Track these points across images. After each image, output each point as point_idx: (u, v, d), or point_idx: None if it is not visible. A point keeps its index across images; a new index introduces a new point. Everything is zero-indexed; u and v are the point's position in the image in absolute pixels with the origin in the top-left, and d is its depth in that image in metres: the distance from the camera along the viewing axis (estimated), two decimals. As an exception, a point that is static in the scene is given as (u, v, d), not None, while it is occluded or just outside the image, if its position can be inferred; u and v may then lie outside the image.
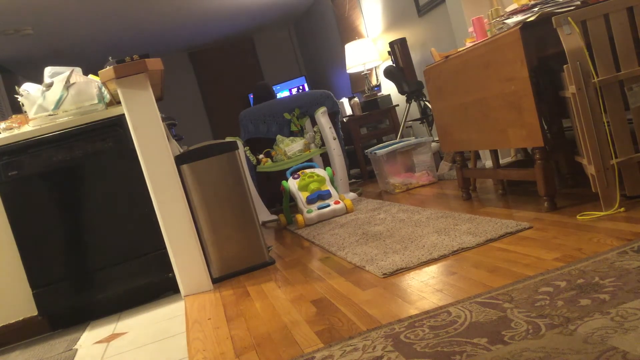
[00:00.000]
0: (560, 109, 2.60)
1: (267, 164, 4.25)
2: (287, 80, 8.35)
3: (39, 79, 2.92)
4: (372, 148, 4.33)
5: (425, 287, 1.81)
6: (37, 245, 2.63)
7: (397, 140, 4.59)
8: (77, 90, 2.75)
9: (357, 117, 5.61)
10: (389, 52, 4.96)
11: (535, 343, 1.21)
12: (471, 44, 2.80)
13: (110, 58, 2.64)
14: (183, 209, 2.57)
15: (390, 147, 4.10)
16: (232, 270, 2.76)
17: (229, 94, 8.56)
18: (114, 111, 2.71)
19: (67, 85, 2.73)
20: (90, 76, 2.91)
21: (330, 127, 4.27)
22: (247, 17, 7.55)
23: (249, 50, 8.76)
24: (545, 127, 2.66)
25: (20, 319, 2.64)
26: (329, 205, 3.63)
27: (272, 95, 5.18)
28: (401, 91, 4.84)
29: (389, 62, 5.06)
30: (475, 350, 1.25)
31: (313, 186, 3.75)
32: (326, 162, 4.49)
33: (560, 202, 2.46)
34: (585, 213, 2.15)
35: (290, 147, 4.22)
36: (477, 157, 3.78)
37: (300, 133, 4.46)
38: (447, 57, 3.00)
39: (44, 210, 2.63)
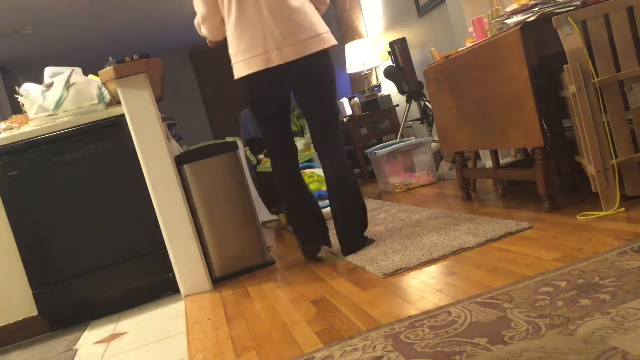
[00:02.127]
0: (560, 109, 2.60)
1: (267, 164, 4.25)
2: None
3: (39, 79, 2.92)
4: (372, 148, 4.33)
5: (425, 287, 1.81)
6: (37, 245, 2.63)
7: (397, 140, 4.59)
8: (77, 90, 2.75)
9: (357, 117, 5.60)
10: (389, 52, 4.96)
11: (535, 343, 1.21)
12: (471, 44, 2.80)
13: (110, 58, 2.64)
14: (183, 208, 2.57)
15: (390, 147, 4.10)
16: (232, 270, 2.76)
17: (229, 94, 8.56)
18: (114, 111, 2.71)
19: (67, 85, 2.73)
20: (90, 76, 2.91)
21: (330, 127, 4.26)
22: (247, 17, 7.53)
23: (249, 50, 8.75)
24: (545, 127, 2.66)
25: (20, 319, 2.64)
26: (329, 205, 3.62)
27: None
28: (401, 91, 4.84)
29: (389, 62, 5.06)
30: (475, 350, 1.25)
31: (313, 186, 3.75)
32: (326, 162, 4.48)
33: (560, 202, 2.46)
34: (585, 213, 2.15)
35: (290, 147, 4.22)
36: (477, 157, 3.78)
37: (300, 133, 4.46)
38: (447, 57, 3.00)
39: (44, 210, 2.63)
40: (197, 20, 2.55)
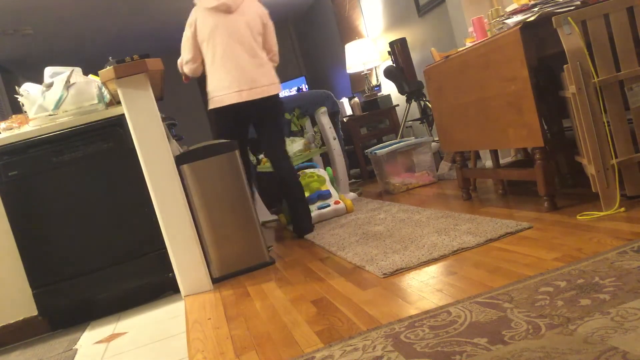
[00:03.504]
0: (560, 109, 2.60)
1: (267, 164, 4.25)
2: (287, 80, 8.35)
3: (39, 79, 2.92)
4: (372, 148, 4.33)
5: (425, 287, 1.81)
6: (37, 245, 2.62)
7: (397, 140, 4.59)
8: (77, 90, 2.75)
9: (357, 117, 5.60)
10: (389, 52, 4.96)
11: (535, 343, 1.21)
12: (471, 44, 2.80)
13: (110, 58, 2.64)
14: (183, 209, 2.57)
15: (390, 147, 4.10)
16: (232, 270, 2.76)
17: (229, 94, 8.55)
18: (114, 111, 2.71)
19: (67, 85, 2.73)
20: (90, 76, 2.91)
21: (330, 127, 4.26)
22: (247, 17, 7.53)
23: (249, 50, 8.74)
24: (545, 127, 2.66)
25: (20, 319, 2.64)
26: (329, 205, 3.63)
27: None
28: (401, 91, 4.84)
29: (389, 62, 5.06)
30: (475, 350, 1.25)
31: (313, 186, 3.75)
32: (326, 162, 4.49)
33: (560, 202, 2.46)
34: (585, 213, 2.15)
35: (290, 147, 4.22)
36: (477, 157, 3.78)
37: (300, 133, 4.46)
38: (447, 57, 3.00)
39: (44, 210, 2.63)
40: (181, 61, 3.35)
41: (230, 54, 3.16)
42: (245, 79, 3.15)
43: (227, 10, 3.21)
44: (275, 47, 3.41)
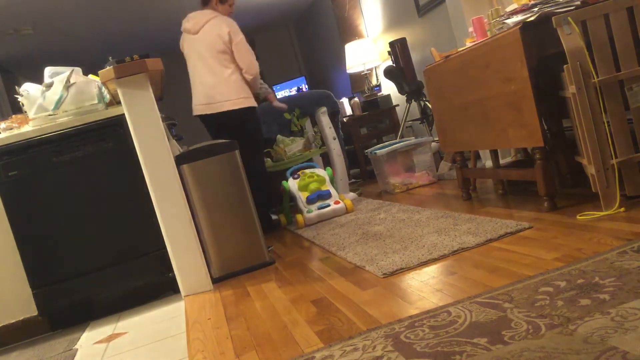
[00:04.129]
0: (560, 109, 2.60)
1: (267, 164, 4.25)
2: (287, 80, 8.35)
3: (39, 79, 2.92)
4: (372, 148, 4.33)
5: (425, 287, 1.81)
6: (37, 245, 2.62)
7: (397, 140, 4.59)
8: (77, 90, 2.75)
9: (357, 117, 5.60)
10: (389, 52, 4.96)
11: (535, 343, 1.21)
12: (471, 44, 2.80)
13: (110, 58, 2.64)
14: (183, 209, 2.57)
15: (390, 147, 4.10)
16: (232, 270, 2.76)
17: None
18: (114, 111, 2.71)
19: (67, 85, 2.73)
20: (90, 76, 2.91)
21: (330, 127, 4.26)
22: (247, 17, 7.55)
23: (249, 50, 8.74)
24: (545, 127, 2.66)
25: (20, 319, 2.64)
26: (329, 205, 3.63)
27: (272, 95, 5.17)
28: (401, 91, 4.84)
29: (389, 62, 5.06)
30: (475, 350, 1.25)
31: (313, 186, 3.75)
32: (326, 162, 4.49)
33: (560, 202, 2.46)
34: (585, 213, 2.15)
35: (290, 147, 4.22)
36: (477, 157, 3.78)
37: (300, 133, 4.46)
38: (447, 57, 3.00)
39: (44, 211, 2.63)
40: None
41: (195, 71, 3.64)
42: (203, 95, 3.60)
43: (189, 32, 3.68)
44: (245, 62, 3.58)
